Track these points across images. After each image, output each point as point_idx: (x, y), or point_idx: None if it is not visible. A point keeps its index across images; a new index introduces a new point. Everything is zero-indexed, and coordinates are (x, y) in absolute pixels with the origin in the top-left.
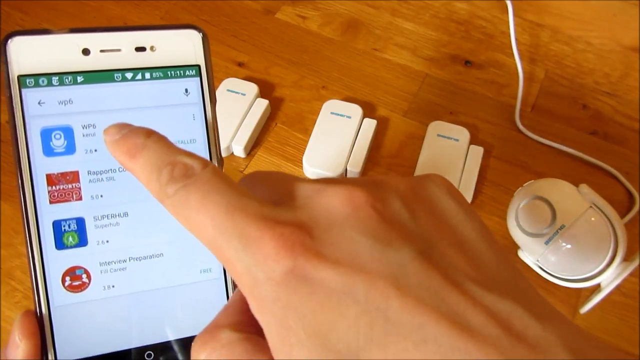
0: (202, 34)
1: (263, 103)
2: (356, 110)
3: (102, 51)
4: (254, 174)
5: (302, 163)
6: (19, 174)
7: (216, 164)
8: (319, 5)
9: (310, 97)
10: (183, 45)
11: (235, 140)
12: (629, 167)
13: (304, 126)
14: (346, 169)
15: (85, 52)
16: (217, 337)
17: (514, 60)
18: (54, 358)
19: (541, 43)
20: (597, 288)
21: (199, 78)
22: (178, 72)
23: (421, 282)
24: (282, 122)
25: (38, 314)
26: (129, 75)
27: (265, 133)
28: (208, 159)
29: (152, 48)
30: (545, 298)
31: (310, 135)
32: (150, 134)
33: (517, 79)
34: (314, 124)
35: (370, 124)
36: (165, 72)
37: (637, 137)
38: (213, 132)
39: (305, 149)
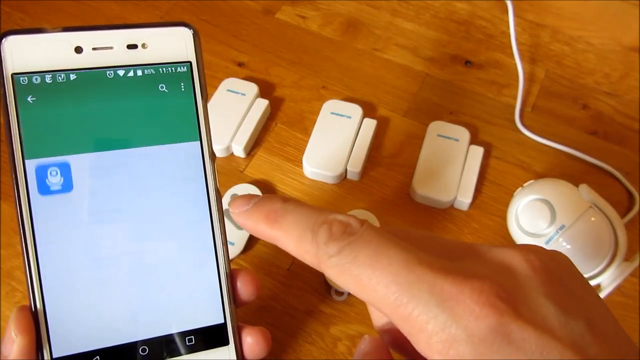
0: (193, 31)
1: (263, 103)
2: (356, 110)
3: (94, 49)
4: (392, 228)
5: (302, 163)
6: (12, 170)
7: (208, 159)
8: (319, 5)
9: (310, 97)
10: (174, 43)
11: (235, 140)
12: (629, 167)
13: (304, 126)
14: (346, 169)
15: (78, 50)
16: None
17: (514, 60)
18: (49, 353)
19: (541, 43)
20: (597, 288)
21: (190, 74)
22: (170, 68)
23: (598, 354)
24: (282, 122)
25: (33, 309)
26: (121, 72)
27: (265, 133)
28: (200, 154)
29: (143, 45)
30: None
31: (310, 135)
32: (286, 199)
33: (517, 79)
34: (314, 124)
35: (370, 124)
36: (157, 68)
37: (637, 137)
38: (205, 127)
39: (305, 149)
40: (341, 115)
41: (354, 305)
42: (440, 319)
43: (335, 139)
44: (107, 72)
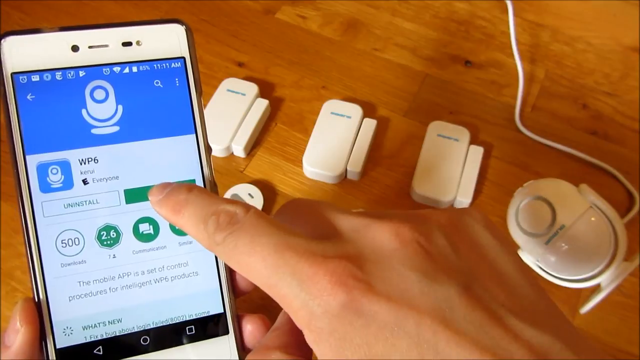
0: (186, 27)
1: (263, 103)
2: (356, 110)
3: (90, 47)
4: (292, 205)
5: (302, 163)
6: (14, 167)
7: (204, 152)
8: (319, 5)
9: (310, 97)
10: (168, 39)
11: (235, 140)
12: (629, 167)
13: (304, 126)
14: (346, 169)
15: (75, 48)
16: (269, 358)
17: (514, 60)
18: (52, 344)
19: (541, 43)
20: (597, 288)
21: (184, 69)
22: (164, 64)
23: (466, 316)
24: (282, 122)
25: (36, 301)
26: (116, 68)
27: (265, 133)
28: (196, 147)
29: (138, 42)
30: (580, 331)
31: (310, 135)
32: (191, 188)
33: (517, 79)
34: (314, 124)
35: (370, 124)
36: (152, 64)
37: (637, 137)
38: (200, 121)
39: (305, 149)
40: (341, 115)
41: None
42: (301, 297)
43: (335, 139)
44: (104, 69)
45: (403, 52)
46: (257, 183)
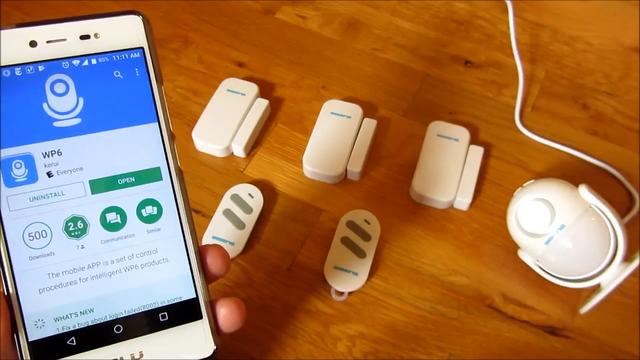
0: (143, 18)
1: (263, 103)
2: (356, 110)
3: (48, 42)
4: None
5: (302, 163)
6: None
7: (168, 139)
8: (319, 5)
9: (310, 97)
10: (125, 31)
11: (235, 140)
12: (629, 167)
13: (304, 126)
14: (346, 169)
15: (33, 44)
16: None
17: (514, 60)
18: (24, 337)
19: (541, 43)
20: (597, 288)
21: (143, 59)
22: (122, 55)
23: None
24: (282, 122)
25: (6, 295)
26: (75, 62)
27: (265, 133)
28: (159, 135)
29: (95, 35)
30: None
31: (310, 135)
32: None
33: (517, 79)
34: (314, 124)
35: (370, 124)
36: (110, 56)
37: (637, 137)
38: (162, 109)
39: (305, 149)
40: (341, 115)
41: (354, 305)
42: None
43: (335, 139)
44: (63, 63)
45: (403, 52)
46: (257, 183)
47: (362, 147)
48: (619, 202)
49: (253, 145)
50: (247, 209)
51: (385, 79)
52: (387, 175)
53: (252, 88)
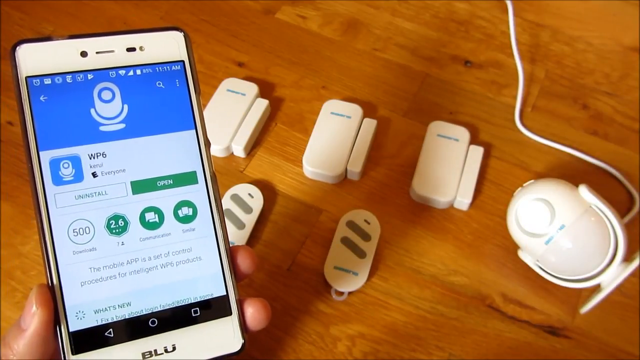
0: (184, 34)
1: (263, 103)
2: (356, 110)
3: (97, 53)
4: None
5: (302, 163)
6: (29, 163)
7: (204, 146)
8: (319, 5)
9: (310, 97)
10: (168, 45)
11: (235, 140)
12: (629, 167)
13: (304, 126)
14: (346, 169)
15: (83, 54)
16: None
17: (514, 60)
18: (66, 327)
19: (541, 43)
20: (597, 288)
21: (184, 71)
22: (165, 67)
23: None
24: (282, 122)
25: (50, 286)
26: (122, 72)
27: (265, 133)
28: (196, 141)
29: (141, 48)
30: None
31: (310, 135)
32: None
33: (517, 79)
34: (314, 124)
35: (370, 124)
36: (154, 67)
37: (637, 137)
38: (200, 118)
39: (305, 149)
40: (341, 115)
41: (354, 305)
42: None
43: (335, 139)
44: (110, 72)
45: (403, 52)
46: (257, 183)
47: (362, 147)
48: (619, 202)
49: (253, 145)
50: (247, 209)
51: (385, 79)
52: (387, 175)
53: (252, 88)
